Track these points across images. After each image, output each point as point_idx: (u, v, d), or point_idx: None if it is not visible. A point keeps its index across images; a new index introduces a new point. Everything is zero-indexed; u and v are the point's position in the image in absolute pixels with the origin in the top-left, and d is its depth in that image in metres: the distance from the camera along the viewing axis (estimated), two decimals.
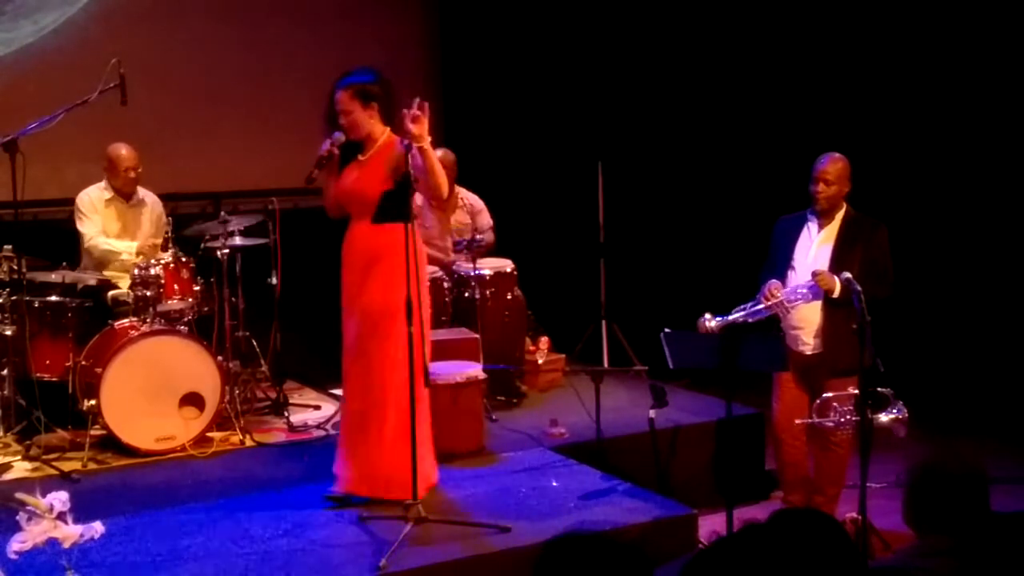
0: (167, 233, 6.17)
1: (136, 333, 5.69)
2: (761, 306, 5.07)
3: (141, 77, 6.14)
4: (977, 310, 7.10)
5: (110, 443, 5.62)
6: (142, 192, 6.47)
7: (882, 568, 3.15)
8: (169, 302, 5.88)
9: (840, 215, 5.19)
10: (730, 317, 5.02)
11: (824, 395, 5.01)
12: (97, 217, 6.32)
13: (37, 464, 5.39)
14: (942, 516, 2.86)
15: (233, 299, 6.26)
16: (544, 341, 6.97)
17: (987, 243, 7.06)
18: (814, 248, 5.18)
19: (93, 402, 5.52)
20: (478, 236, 6.57)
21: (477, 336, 6.19)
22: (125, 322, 5.83)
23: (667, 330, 4.72)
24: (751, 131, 7.80)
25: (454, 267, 6.77)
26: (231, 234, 6.10)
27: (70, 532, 3.60)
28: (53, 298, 5.84)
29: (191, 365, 5.72)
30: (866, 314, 4.41)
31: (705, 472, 5.86)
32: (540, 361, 6.86)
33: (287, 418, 6.20)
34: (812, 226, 5.23)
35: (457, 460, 5.37)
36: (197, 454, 5.61)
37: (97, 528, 3.66)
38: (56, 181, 7.18)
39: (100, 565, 4.16)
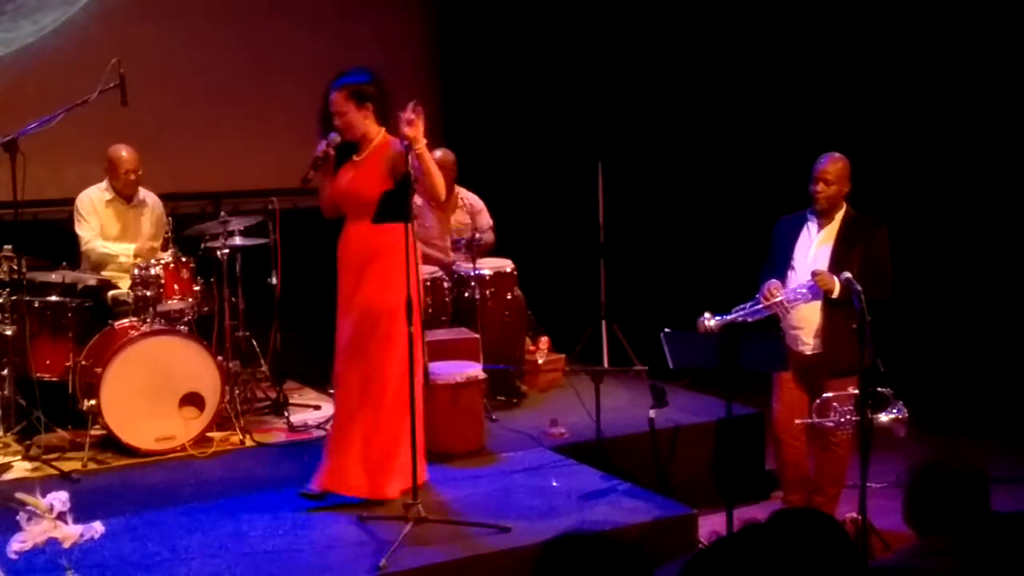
0: (167, 233, 6.18)
1: (136, 333, 5.69)
2: (761, 306, 5.07)
3: (141, 77, 6.12)
4: (977, 310, 7.10)
5: (110, 443, 5.62)
6: (143, 193, 6.47)
7: (882, 568, 3.15)
8: (169, 302, 5.88)
9: (840, 215, 5.19)
10: (729, 317, 5.02)
11: (824, 395, 5.00)
12: (95, 219, 6.31)
13: (37, 464, 5.40)
14: (942, 516, 2.86)
15: (233, 299, 6.25)
16: (544, 341, 6.97)
17: (987, 243, 7.06)
18: (814, 248, 5.18)
19: (93, 402, 5.52)
20: (478, 236, 6.57)
21: (477, 336, 6.18)
22: (125, 322, 5.83)
23: (667, 330, 4.72)
24: (751, 131, 7.80)
25: (454, 267, 6.76)
26: (231, 234, 6.09)
27: (70, 532, 3.59)
28: (53, 298, 5.83)
29: (191, 365, 5.72)
30: (866, 314, 4.41)
31: (705, 472, 5.86)
32: (540, 361, 6.86)
33: (287, 418, 6.20)
34: (812, 226, 5.23)
35: (457, 460, 5.38)
36: (197, 454, 5.61)
37: (97, 528, 3.65)
38: (56, 181, 7.17)
39: (100, 565, 4.16)
